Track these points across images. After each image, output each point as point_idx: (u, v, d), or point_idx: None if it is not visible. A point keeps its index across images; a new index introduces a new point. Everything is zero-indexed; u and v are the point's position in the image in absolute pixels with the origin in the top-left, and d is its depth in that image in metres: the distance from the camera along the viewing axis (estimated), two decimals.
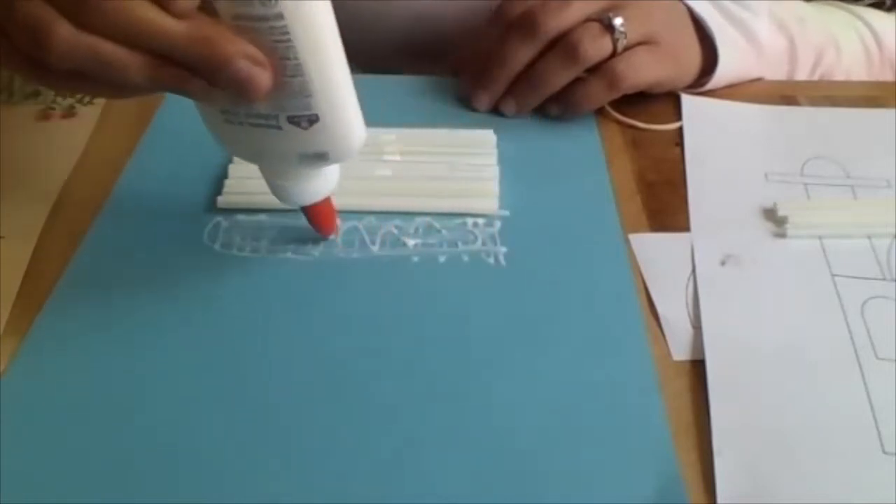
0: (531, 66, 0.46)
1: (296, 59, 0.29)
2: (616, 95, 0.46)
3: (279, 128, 0.32)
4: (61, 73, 0.30)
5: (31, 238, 0.40)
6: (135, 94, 0.34)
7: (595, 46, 0.44)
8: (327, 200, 0.38)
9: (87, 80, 0.30)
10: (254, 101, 0.30)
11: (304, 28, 0.29)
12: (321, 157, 0.33)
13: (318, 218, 0.38)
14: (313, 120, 0.31)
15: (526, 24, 0.45)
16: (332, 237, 0.40)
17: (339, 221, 0.40)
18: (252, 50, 0.29)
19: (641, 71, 0.45)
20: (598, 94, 0.46)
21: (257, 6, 0.28)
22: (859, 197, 0.43)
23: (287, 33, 0.29)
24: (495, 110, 0.49)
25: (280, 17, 0.28)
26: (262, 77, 0.29)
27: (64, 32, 0.28)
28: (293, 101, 0.31)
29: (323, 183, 0.36)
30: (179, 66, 0.29)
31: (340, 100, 0.32)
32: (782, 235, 0.40)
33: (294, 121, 0.32)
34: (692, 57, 0.48)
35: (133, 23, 0.28)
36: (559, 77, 0.45)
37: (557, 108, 0.48)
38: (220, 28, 0.29)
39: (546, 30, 0.44)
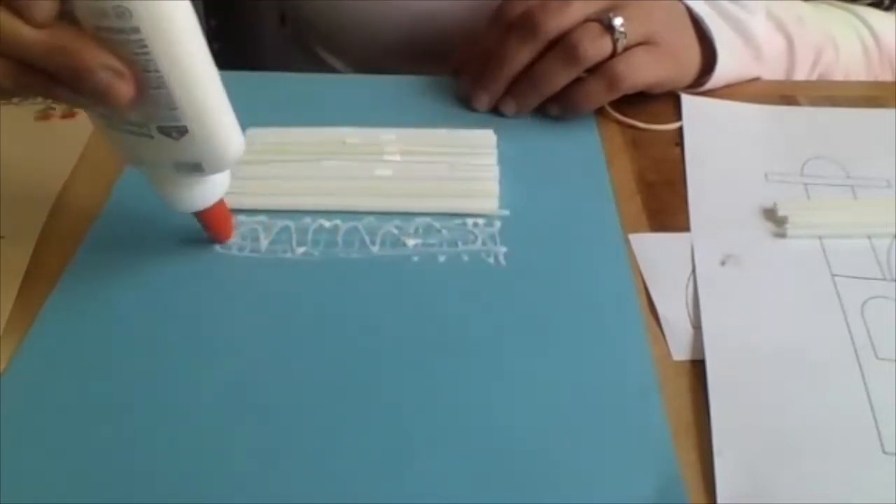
0: (531, 66, 0.46)
1: (157, 71, 0.29)
2: (616, 96, 0.46)
3: (151, 136, 0.32)
4: None
5: (31, 238, 0.40)
6: (6, 97, 0.33)
7: (595, 47, 0.44)
8: (220, 205, 0.37)
9: None
10: (118, 111, 0.31)
11: (161, 42, 0.29)
12: (196, 168, 0.33)
13: (210, 223, 0.38)
14: (182, 131, 0.32)
15: (526, 25, 0.45)
16: (230, 241, 0.40)
17: (234, 225, 0.40)
18: (112, 61, 0.29)
19: (641, 71, 0.45)
20: (597, 94, 0.46)
21: (113, 19, 0.28)
22: (859, 197, 0.43)
23: (145, 46, 0.29)
24: (495, 110, 0.49)
25: (136, 30, 0.28)
26: (123, 88, 0.29)
27: None
28: (160, 113, 0.31)
29: (210, 188, 0.36)
30: (42, 74, 0.30)
31: (208, 113, 0.32)
32: (782, 235, 0.40)
33: (164, 131, 0.32)
34: (692, 57, 0.48)
35: None
36: (559, 77, 0.45)
37: (557, 108, 0.48)
38: (80, 38, 0.29)
39: (546, 30, 0.44)
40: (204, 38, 0.31)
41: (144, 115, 0.31)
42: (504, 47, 0.46)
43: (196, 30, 0.30)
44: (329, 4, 0.58)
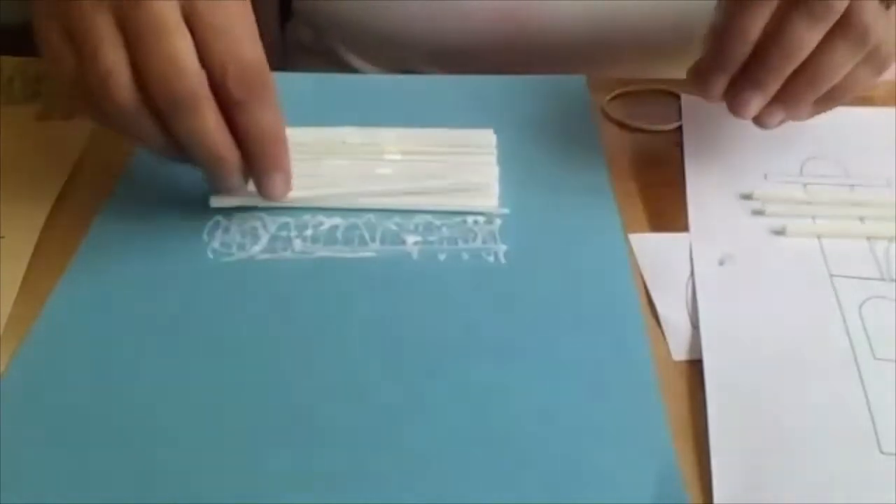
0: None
1: None
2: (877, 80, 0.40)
3: None
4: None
5: (32, 238, 0.40)
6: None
7: (881, 28, 0.37)
8: None
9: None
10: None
11: None
12: None
13: None
14: None
15: (814, 3, 0.36)
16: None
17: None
18: None
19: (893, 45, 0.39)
20: (867, 81, 0.39)
21: None
22: (858, 196, 0.43)
23: None
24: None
25: None
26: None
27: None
28: None
29: None
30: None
31: None
32: (781, 234, 0.40)
33: None
34: None
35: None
36: (844, 68, 0.38)
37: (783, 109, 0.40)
38: None
39: (838, 8, 0.36)
40: None
41: None
42: (789, 32, 0.37)
43: None
44: (354, 4, 0.57)
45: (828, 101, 0.40)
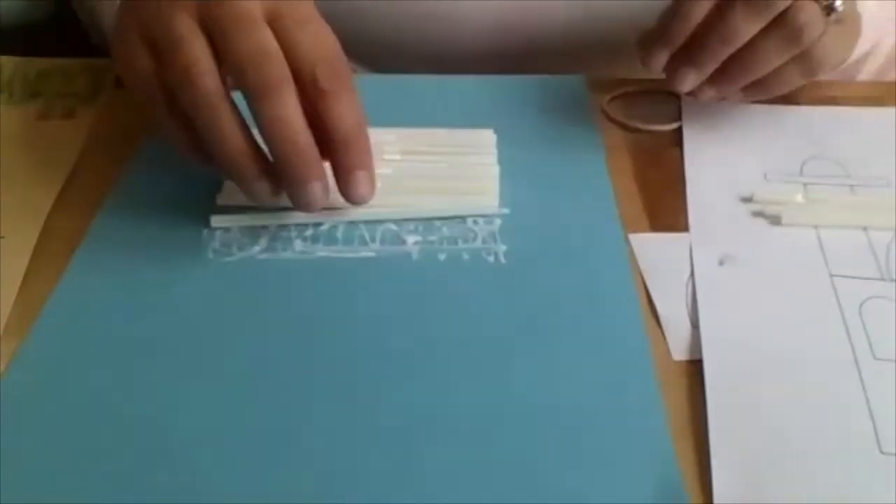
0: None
1: None
2: (806, 81, 0.43)
3: None
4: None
5: (31, 238, 0.40)
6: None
7: (815, 29, 0.40)
8: None
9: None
10: None
11: None
12: None
13: None
14: None
15: None
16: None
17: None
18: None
19: (834, 56, 0.42)
20: (795, 81, 0.42)
21: None
22: (858, 196, 0.43)
23: None
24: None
25: None
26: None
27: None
28: None
29: None
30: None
31: None
32: (780, 235, 0.40)
33: None
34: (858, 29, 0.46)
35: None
36: (775, 61, 0.41)
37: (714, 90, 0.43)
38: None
39: (778, 6, 0.39)
40: None
41: None
42: (729, 21, 0.40)
43: None
44: (347, 9, 0.57)
45: (757, 89, 0.43)
